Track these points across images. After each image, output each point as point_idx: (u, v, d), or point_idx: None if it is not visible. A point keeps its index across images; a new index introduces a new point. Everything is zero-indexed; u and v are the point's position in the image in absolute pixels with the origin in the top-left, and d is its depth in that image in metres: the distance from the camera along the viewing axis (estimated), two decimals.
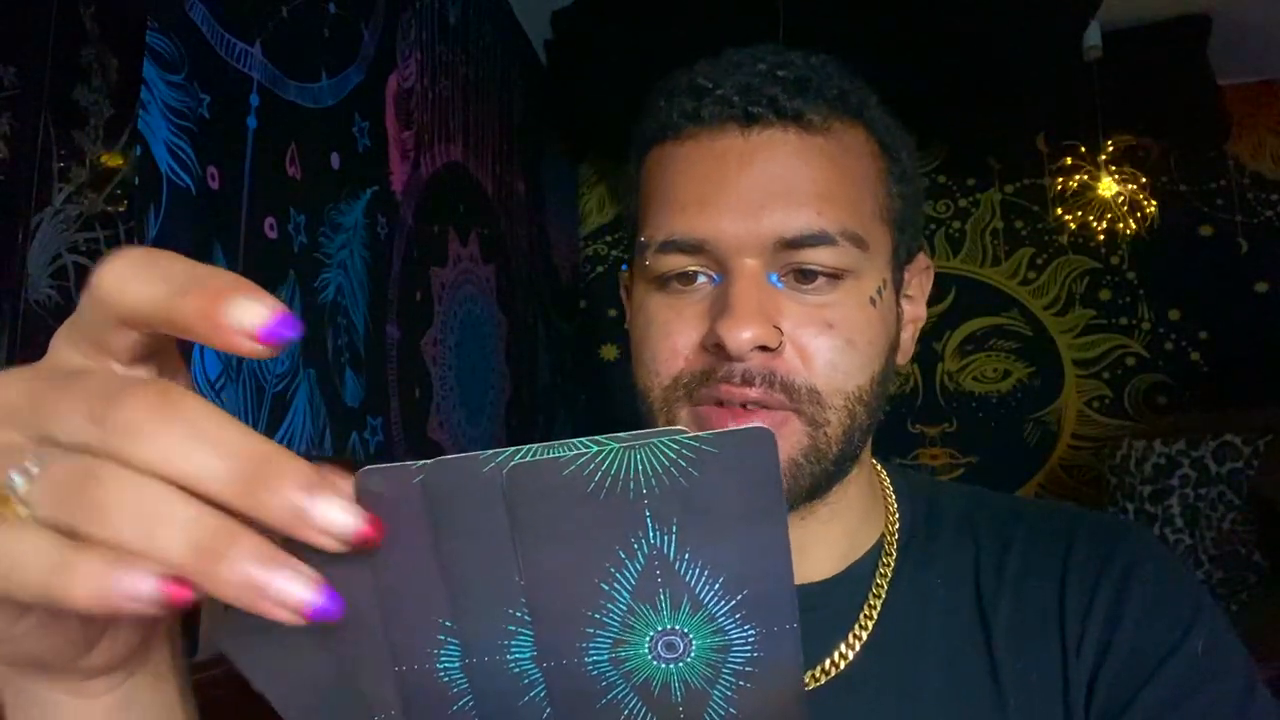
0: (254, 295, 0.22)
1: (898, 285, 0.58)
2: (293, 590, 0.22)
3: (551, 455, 0.24)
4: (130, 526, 0.22)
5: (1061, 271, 3.09)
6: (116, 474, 0.22)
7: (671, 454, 0.24)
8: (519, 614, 0.26)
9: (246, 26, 1.22)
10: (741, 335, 0.50)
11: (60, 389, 0.24)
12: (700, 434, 0.24)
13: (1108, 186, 2.61)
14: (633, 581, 0.25)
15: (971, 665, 0.55)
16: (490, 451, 0.24)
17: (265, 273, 1.25)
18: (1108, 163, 2.63)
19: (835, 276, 0.53)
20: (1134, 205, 2.61)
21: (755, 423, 0.51)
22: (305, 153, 1.35)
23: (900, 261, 0.58)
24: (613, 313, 3.18)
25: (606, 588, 0.25)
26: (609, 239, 3.28)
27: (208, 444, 0.22)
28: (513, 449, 0.24)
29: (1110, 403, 3.01)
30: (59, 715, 0.31)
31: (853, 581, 0.58)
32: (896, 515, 0.62)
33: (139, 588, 0.22)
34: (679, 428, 0.23)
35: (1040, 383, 3.05)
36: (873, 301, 0.54)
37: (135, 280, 0.24)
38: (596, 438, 0.24)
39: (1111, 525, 0.60)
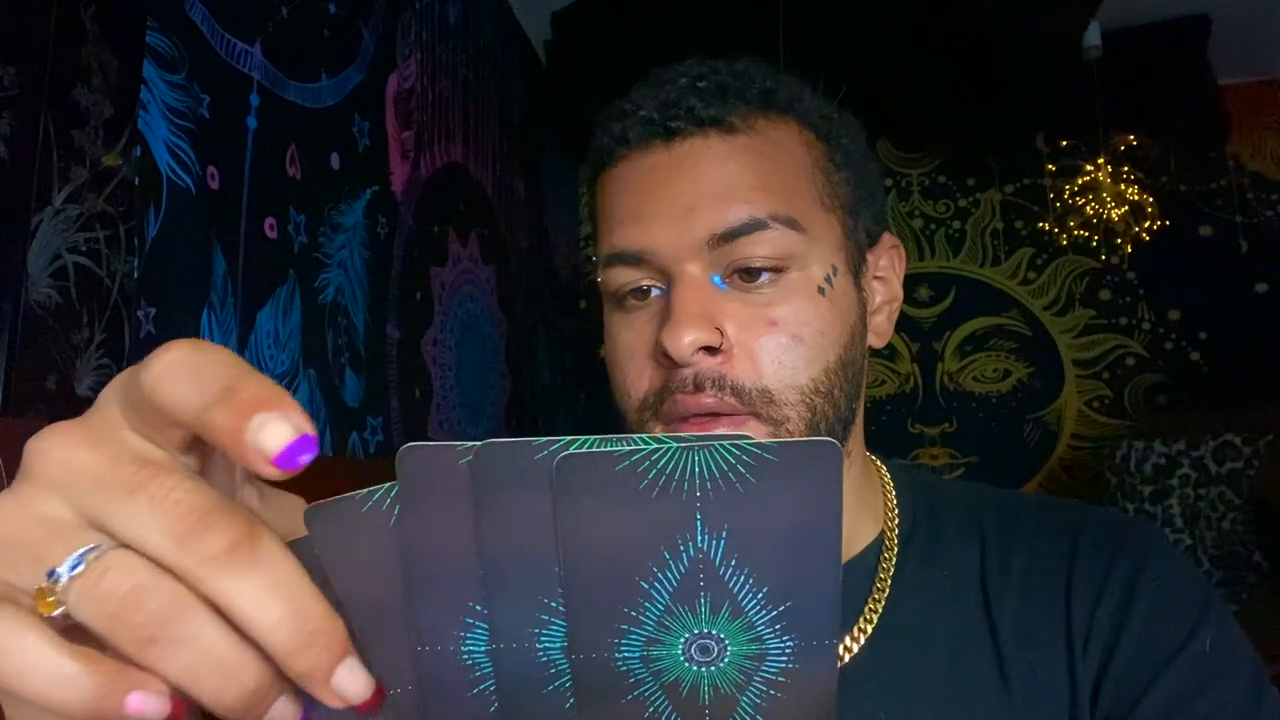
0: (279, 414, 0.22)
1: (856, 269, 0.58)
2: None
3: (606, 448, 0.23)
4: (183, 662, 0.22)
5: (1061, 271, 3.09)
6: (186, 603, 0.22)
7: (732, 458, 0.23)
8: (553, 604, 0.25)
9: (246, 26, 1.22)
10: (682, 340, 0.50)
11: (131, 480, 0.23)
12: (766, 441, 0.24)
13: (1108, 187, 2.60)
14: (674, 583, 0.25)
15: (977, 661, 0.55)
16: (544, 439, 0.23)
17: (265, 273, 1.25)
18: (1107, 163, 2.63)
19: (778, 270, 0.53)
20: (1134, 205, 2.61)
21: (721, 430, 0.52)
22: (305, 153, 1.35)
23: (859, 244, 0.58)
24: None
25: (646, 586, 0.25)
26: None
27: (281, 600, 0.22)
28: (567, 438, 0.23)
29: (1110, 403, 3.01)
30: None
31: (853, 577, 0.58)
32: (896, 511, 0.61)
33: (147, 701, 0.22)
34: (744, 433, 0.24)
35: (1040, 383, 3.05)
36: (821, 290, 0.54)
37: (174, 383, 0.23)
38: (657, 435, 0.24)
39: (1118, 522, 0.60)
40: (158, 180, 1.04)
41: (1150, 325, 3.02)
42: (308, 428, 0.23)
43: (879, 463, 0.64)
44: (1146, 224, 2.65)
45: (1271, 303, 2.93)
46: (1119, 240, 2.66)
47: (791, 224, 0.53)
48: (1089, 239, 2.71)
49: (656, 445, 0.23)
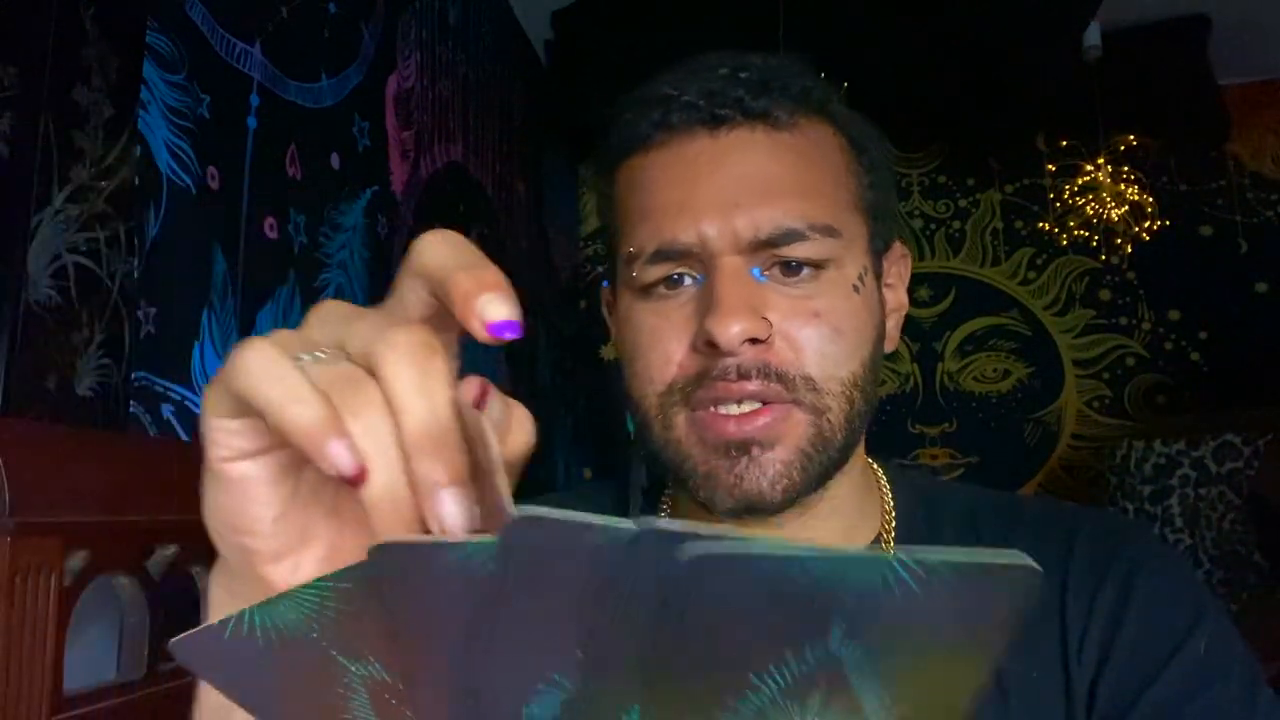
0: (503, 297, 0.28)
1: (878, 273, 0.59)
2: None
3: (753, 551, 0.20)
4: (365, 436, 0.27)
5: (1061, 271, 3.09)
6: (372, 393, 0.28)
7: (902, 572, 0.20)
8: (639, 691, 0.24)
9: (246, 26, 1.22)
10: (731, 329, 0.50)
11: (362, 315, 0.30)
12: (956, 560, 0.20)
13: (1108, 187, 2.61)
14: (788, 680, 0.23)
15: None
16: (686, 529, 0.21)
17: (265, 273, 1.25)
18: (1108, 163, 2.63)
19: (817, 266, 0.53)
20: (1134, 205, 2.61)
21: (757, 428, 0.51)
22: (305, 153, 1.35)
23: (878, 250, 0.59)
24: None
25: (756, 680, 0.23)
26: None
27: (423, 398, 0.27)
28: (714, 532, 0.21)
29: (1110, 403, 3.01)
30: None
31: None
32: (893, 513, 0.62)
33: (341, 453, 0.27)
34: (930, 553, 0.20)
35: (1040, 383, 3.05)
36: (856, 289, 0.55)
37: (437, 249, 0.30)
38: (812, 548, 0.21)
39: (1114, 524, 0.60)
40: (158, 180, 1.04)
41: (1150, 325, 3.02)
42: (519, 315, 0.28)
43: (875, 464, 0.64)
44: (1146, 224, 2.65)
45: (1271, 303, 2.93)
46: (1119, 240, 2.66)
47: (829, 232, 0.53)
48: (1089, 239, 2.71)
49: (816, 555, 0.20)
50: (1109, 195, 2.61)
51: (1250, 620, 2.28)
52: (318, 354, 0.30)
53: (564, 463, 2.80)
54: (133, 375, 0.99)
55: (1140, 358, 3.02)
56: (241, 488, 0.32)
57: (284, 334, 0.31)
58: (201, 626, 0.25)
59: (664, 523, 0.21)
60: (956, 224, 3.18)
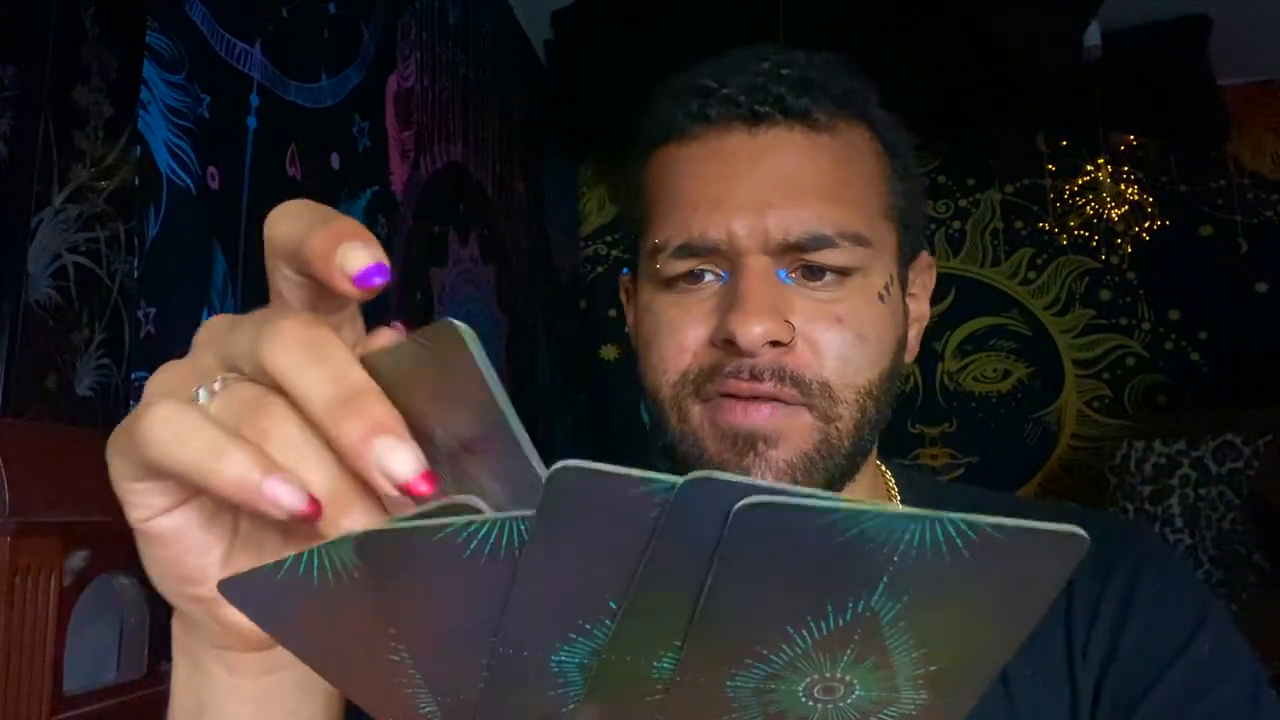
0: (358, 243, 0.26)
1: (904, 282, 0.58)
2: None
3: (812, 503, 0.20)
4: (287, 453, 0.26)
5: (1061, 271, 3.09)
6: (284, 410, 0.27)
7: (953, 532, 0.20)
8: (677, 641, 0.24)
9: (246, 26, 1.22)
10: (753, 330, 0.49)
11: (240, 323, 0.29)
12: (1006, 524, 0.20)
13: (1108, 187, 2.60)
14: (824, 633, 0.23)
15: None
16: (744, 481, 0.21)
17: (265, 273, 1.25)
18: (1107, 163, 2.63)
19: (843, 273, 0.53)
20: (1134, 205, 2.61)
21: (763, 416, 0.51)
22: (305, 153, 1.35)
23: (905, 259, 0.58)
24: (613, 313, 3.18)
25: (792, 631, 0.23)
26: (609, 239, 3.28)
27: (316, 370, 0.26)
28: (771, 485, 0.21)
29: (1110, 403, 3.01)
30: (207, 680, 0.34)
31: None
32: None
33: (281, 491, 0.25)
34: (980, 517, 0.20)
35: (1040, 383, 3.05)
36: (881, 297, 0.54)
37: (281, 224, 0.29)
38: (866, 504, 0.20)
39: (1116, 526, 0.60)
40: (158, 180, 1.04)
41: (1150, 325, 3.02)
42: (383, 257, 0.26)
43: (883, 467, 0.64)
44: (1146, 224, 2.65)
45: (1271, 303, 2.93)
46: (1119, 240, 2.66)
47: (858, 240, 0.53)
48: (1089, 239, 2.71)
49: (870, 510, 0.20)
50: (1109, 195, 2.61)
51: (1250, 620, 2.28)
52: (215, 385, 0.28)
53: None
54: (133, 375, 0.99)
55: (1140, 358, 3.01)
56: (176, 540, 0.30)
57: (174, 369, 0.30)
58: (253, 568, 0.24)
59: (720, 475, 0.21)
60: (956, 224, 3.18)
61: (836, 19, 2.35)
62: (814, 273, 0.53)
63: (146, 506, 0.29)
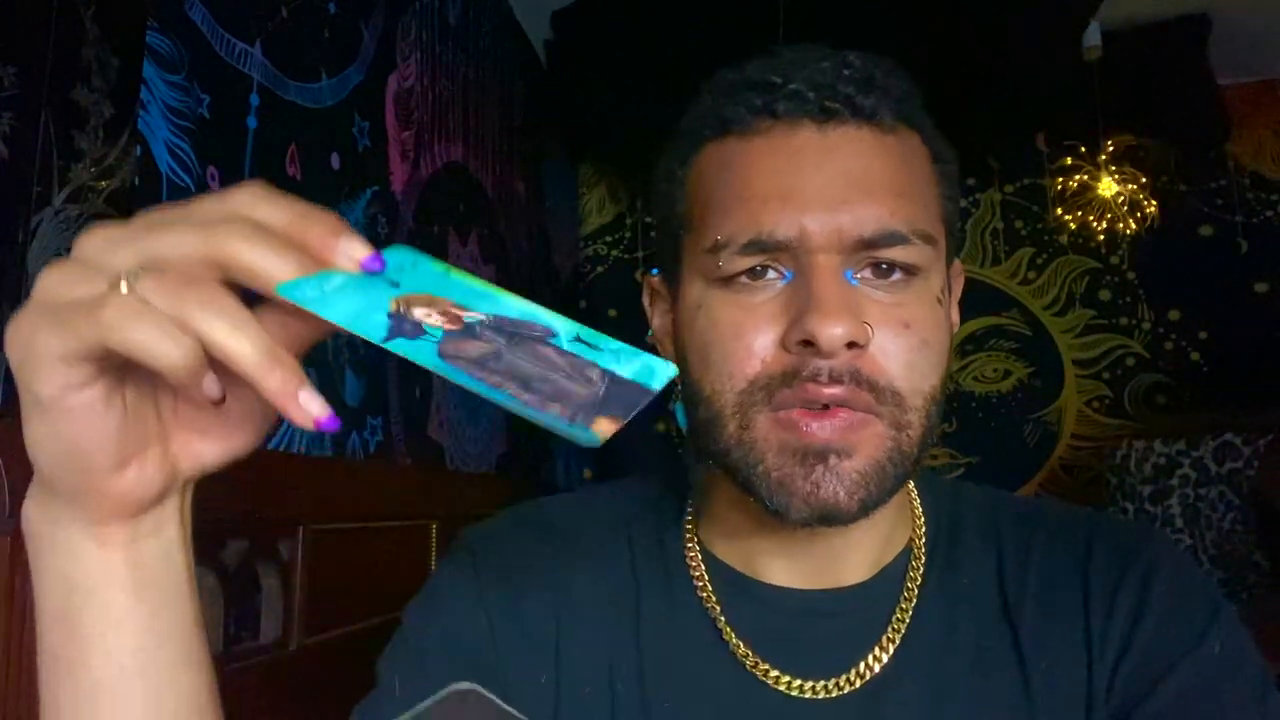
0: (354, 235, 0.33)
1: (948, 288, 0.58)
2: (311, 406, 0.32)
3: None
4: (220, 325, 0.31)
5: (1061, 271, 3.09)
6: (215, 288, 0.31)
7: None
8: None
9: (246, 26, 1.22)
10: (835, 331, 0.48)
11: (170, 216, 0.34)
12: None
13: (1108, 186, 2.60)
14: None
15: (1000, 666, 0.56)
16: None
17: None
18: (1108, 163, 2.63)
19: (910, 272, 0.52)
20: (1134, 205, 2.61)
21: (837, 430, 0.50)
22: (305, 153, 1.35)
23: (948, 265, 0.58)
24: (613, 313, 3.17)
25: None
26: (609, 239, 3.28)
27: (272, 204, 0.33)
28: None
29: (1110, 403, 3.01)
30: (78, 561, 0.37)
31: (886, 584, 0.59)
32: (923, 520, 0.62)
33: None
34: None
35: (1040, 383, 3.05)
36: (939, 301, 0.54)
37: (263, 206, 0.34)
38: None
39: (1129, 529, 0.61)
40: (158, 180, 1.04)
41: (1150, 325, 3.02)
42: (376, 251, 0.35)
43: None
44: (1146, 224, 2.65)
45: (1271, 303, 2.93)
46: (1119, 240, 2.66)
47: (928, 239, 0.52)
48: (1089, 239, 2.71)
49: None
50: (1109, 195, 2.61)
51: (1250, 620, 2.28)
52: (135, 271, 0.32)
53: (564, 463, 2.80)
54: None
55: (1140, 358, 3.01)
56: (84, 414, 0.33)
57: (72, 266, 0.33)
58: None
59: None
60: (956, 224, 3.18)
61: (836, 19, 2.35)
62: (880, 271, 0.52)
63: (63, 383, 0.32)
